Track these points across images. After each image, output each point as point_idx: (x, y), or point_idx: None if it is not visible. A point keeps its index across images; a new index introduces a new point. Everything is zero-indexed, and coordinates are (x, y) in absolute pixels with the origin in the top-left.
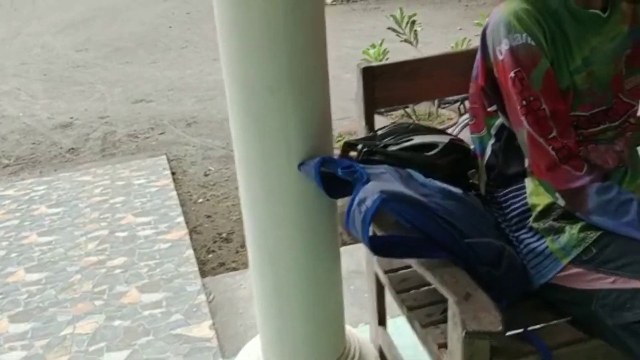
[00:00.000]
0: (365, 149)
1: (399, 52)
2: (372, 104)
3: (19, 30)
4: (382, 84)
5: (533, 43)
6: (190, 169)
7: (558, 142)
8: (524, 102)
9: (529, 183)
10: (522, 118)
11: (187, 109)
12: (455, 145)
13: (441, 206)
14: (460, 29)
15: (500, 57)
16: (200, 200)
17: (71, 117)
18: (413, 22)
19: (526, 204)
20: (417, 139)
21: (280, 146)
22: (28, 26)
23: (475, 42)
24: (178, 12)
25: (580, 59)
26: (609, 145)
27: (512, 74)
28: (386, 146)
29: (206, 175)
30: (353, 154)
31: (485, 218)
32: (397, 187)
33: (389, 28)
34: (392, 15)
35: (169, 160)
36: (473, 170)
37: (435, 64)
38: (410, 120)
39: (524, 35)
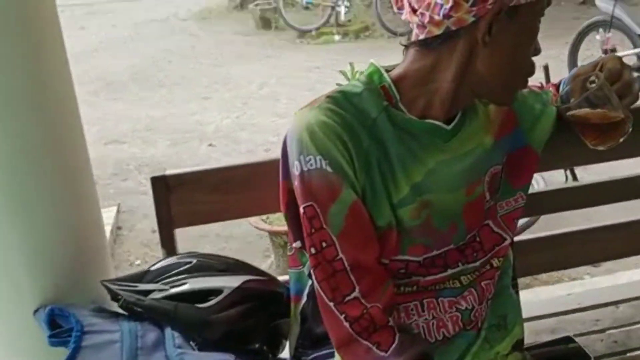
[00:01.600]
0: (119, 298)
1: None
2: (168, 223)
3: None
4: (180, 198)
5: (330, 169)
6: (139, 224)
7: (357, 309)
8: (313, 250)
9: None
10: (312, 271)
11: (159, 152)
12: (253, 290)
13: None
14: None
15: (295, 183)
16: (138, 262)
17: None
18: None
19: None
20: (191, 283)
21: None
22: None
23: None
24: (184, 45)
25: (408, 187)
26: (460, 297)
27: (301, 209)
28: (149, 292)
29: (153, 232)
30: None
31: None
32: None
33: (337, 84)
34: (341, 71)
35: (120, 212)
36: (283, 320)
37: (254, 172)
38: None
39: (318, 158)
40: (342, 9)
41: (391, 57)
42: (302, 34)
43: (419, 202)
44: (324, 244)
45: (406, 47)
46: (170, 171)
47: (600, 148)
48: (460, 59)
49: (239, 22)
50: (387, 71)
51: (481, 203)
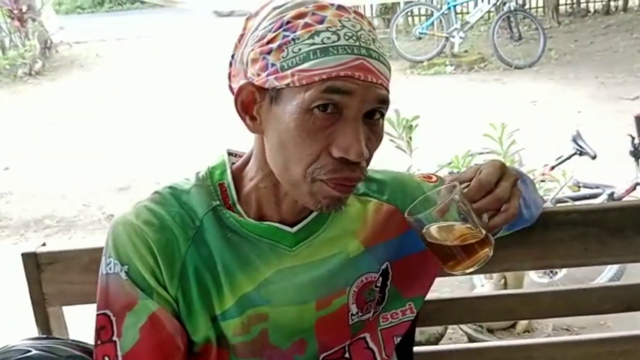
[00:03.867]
0: None
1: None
2: (41, 302)
3: None
4: (52, 277)
5: (124, 276)
6: None
7: None
8: None
9: None
10: None
11: None
12: None
13: None
14: (579, 112)
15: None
16: None
17: None
18: (410, 127)
19: None
20: None
21: None
22: None
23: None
24: None
25: (234, 298)
26: None
27: (95, 316)
28: None
29: None
30: None
31: None
32: None
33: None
34: (385, 118)
35: None
36: None
37: None
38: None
39: (117, 263)
40: (457, 40)
41: (501, 89)
42: (414, 64)
43: (248, 315)
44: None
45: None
46: (41, 249)
47: (458, 272)
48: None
49: None
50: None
51: (343, 317)
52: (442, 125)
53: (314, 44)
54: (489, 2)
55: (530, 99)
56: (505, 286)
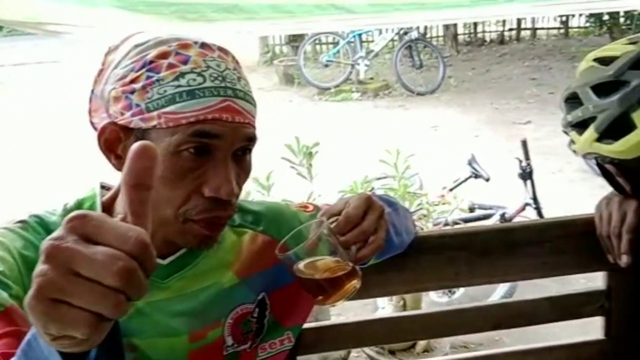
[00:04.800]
0: None
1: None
2: None
3: None
4: None
5: None
6: None
7: None
8: None
9: None
10: None
11: None
12: None
13: None
14: (476, 136)
15: None
16: None
17: None
18: (310, 154)
19: None
20: None
21: None
22: None
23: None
24: None
25: None
26: None
27: None
28: None
29: None
30: None
31: None
32: None
33: (283, 158)
34: (286, 145)
35: None
36: None
37: None
38: None
39: None
40: (362, 67)
41: (404, 115)
42: (322, 91)
43: None
44: None
45: None
46: None
47: (328, 304)
48: None
49: (265, 77)
50: None
51: (218, 349)
52: (345, 152)
53: (179, 86)
54: (392, 31)
55: (432, 125)
56: (404, 307)
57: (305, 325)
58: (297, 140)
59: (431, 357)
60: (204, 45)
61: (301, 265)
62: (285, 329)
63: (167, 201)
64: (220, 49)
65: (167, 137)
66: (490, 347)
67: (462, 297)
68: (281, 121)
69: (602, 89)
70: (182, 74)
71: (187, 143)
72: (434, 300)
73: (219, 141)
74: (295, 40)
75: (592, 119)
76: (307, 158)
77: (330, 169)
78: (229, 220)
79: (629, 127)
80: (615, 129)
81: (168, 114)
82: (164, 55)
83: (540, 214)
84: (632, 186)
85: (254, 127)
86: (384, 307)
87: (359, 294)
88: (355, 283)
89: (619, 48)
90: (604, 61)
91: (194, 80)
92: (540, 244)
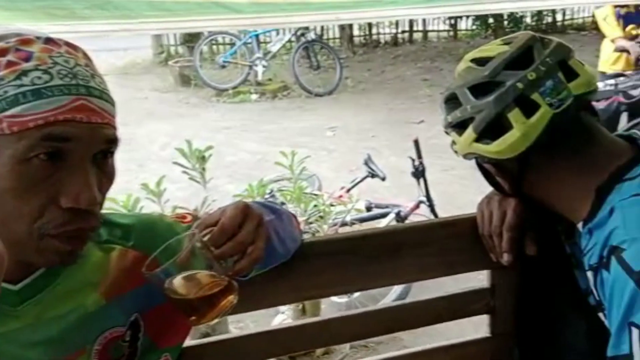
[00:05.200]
0: None
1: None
2: None
3: None
4: None
5: None
6: None
7: None
8: None
9: None
10: None
11: None
12: None
13: None
14: (373, 136)
15: None
16: None
17: None
18: (203, 158)
19: None
20: None
21: None
22: None
23: None
24: None
25: None
26: None
27: None
28: None
29: None
30: None
31: None
32: None
33: (174, 163)
34: (177, 149)
35: None
36: None
37: None
38: None
39: None
40: (260, 68)
41: (303, 116)
42: (220, 92)
43: None
44: None
45: None
46: None
47: (203, 323)
48: None
49: (160, 78)
50: None
51: None
52: (243, 154)
53: (22, 85)
54: (290, 32)
55: (330, 125)
56: (303, 311)
57: (187, 343)
58: (189, 144)
59: (330, 359)
60: (48, 41)
61: (173, 282)
62: (162, 351)
63: (19, 216)
64: (68, 44)
65: (13, 143)
66: (390, 344)
67: (361, 296)
68: (178, 124)
69: (479, 90)
70: (25, 72)
71: (37, 148)
72: (334, 301)
73: (74, 144)
74: (191, 40)
75: (470, 120)
76: (200, 162)
77: (227, 172)
78: (94, 235)
79: (506, 127)
80: (493, 129)
81: (11, 118)
82: (2, 53)
83: (433, 211)
84: (511, 185)
85: (114, 127)
86: (284, 311)
87: (249, 307)
88: (232, 299)
89: (494, 49)
90: (481, 62)
91: (39, 78)
92: (426, 245)
